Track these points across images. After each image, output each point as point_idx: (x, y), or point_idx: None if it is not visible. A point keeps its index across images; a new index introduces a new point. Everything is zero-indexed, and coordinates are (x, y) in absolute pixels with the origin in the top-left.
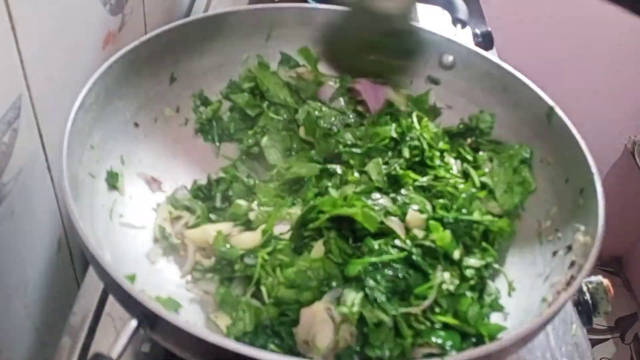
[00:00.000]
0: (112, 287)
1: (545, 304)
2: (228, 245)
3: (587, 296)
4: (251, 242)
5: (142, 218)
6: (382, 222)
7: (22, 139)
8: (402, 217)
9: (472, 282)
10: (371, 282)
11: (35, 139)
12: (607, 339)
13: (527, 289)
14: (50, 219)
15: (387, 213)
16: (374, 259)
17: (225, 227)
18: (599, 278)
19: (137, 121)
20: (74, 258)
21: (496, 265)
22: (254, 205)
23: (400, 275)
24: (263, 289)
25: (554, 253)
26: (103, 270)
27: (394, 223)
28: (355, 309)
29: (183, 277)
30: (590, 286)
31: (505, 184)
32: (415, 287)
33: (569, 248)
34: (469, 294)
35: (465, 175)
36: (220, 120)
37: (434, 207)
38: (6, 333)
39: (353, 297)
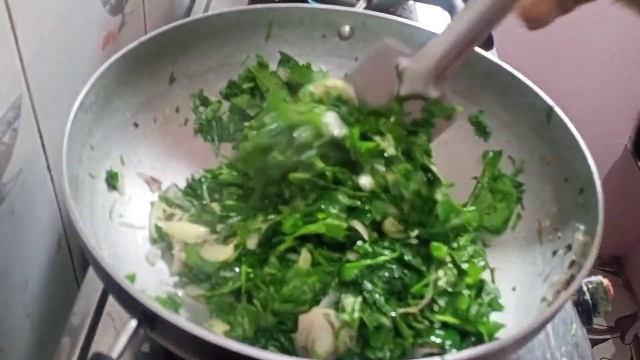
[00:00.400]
0: (112, 287)
1: (545, 303)
2: (200, 262)
3: (587, 296)
4: (224, 255)
5: (142, 218)
6: (349, 228)
7: (22, 139)
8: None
9: (468, 280)
10: (368, 285)
11: (35, 139)
12: (607, 339)
13: (527, 289)
14: (50, 219)
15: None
16: (369, 262)
17: (202, 230)
18: (599, 278)
19: (136, 121)
20: (74, 258)
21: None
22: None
23: (396, 275)
24: (257, 302)
25: (554, 252)
26: (103, 271)
27: (359, 226)
28: (356, 314)
29: (172, 276)
30: (590, 286)
31: (486, 206)
32: (411, 286)
33: (569, 247)
34: (466, 292)
35: (425, 169)
36: (219, 120)
37: (406, 221)
38: (6, 333)
39: (352, 302)
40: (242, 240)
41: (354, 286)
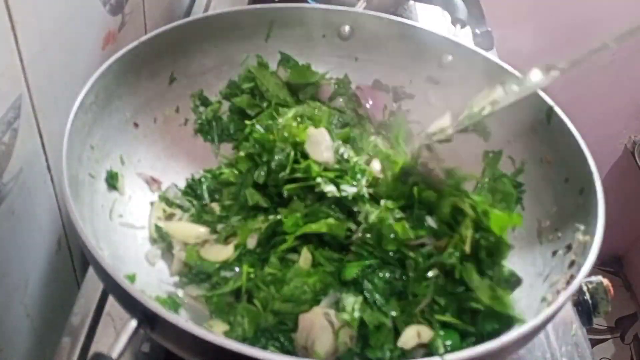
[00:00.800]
0: (112, 287)
1: (545, 303)
2: (200, 262)
3: (587, 296)
4: (224, 255)
5: (141, 218)
6: (349, 229)
7: (22, 139)
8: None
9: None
10: (369, 285)
11: (35, 139)
12: (607, 339)
13: (527, 289)
14: (50, 218)
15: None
16: (370, 261)
17: (202, 230)
18: (598, 278)
19: (136, 121)
20: (74, 258)
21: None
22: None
23: (397, 275)
24: (257, 302)
25: (554, 253)
26: (103, 271)
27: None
28: (357, 314)
29: (172, 276)
30: (590, 286)
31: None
32: (412, 286)
33: (569, 247)
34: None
35: None
36: (219, 120)
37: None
38: (6, 332)
39: (353, 302)
40: (242, 240)
41: (355, 286)
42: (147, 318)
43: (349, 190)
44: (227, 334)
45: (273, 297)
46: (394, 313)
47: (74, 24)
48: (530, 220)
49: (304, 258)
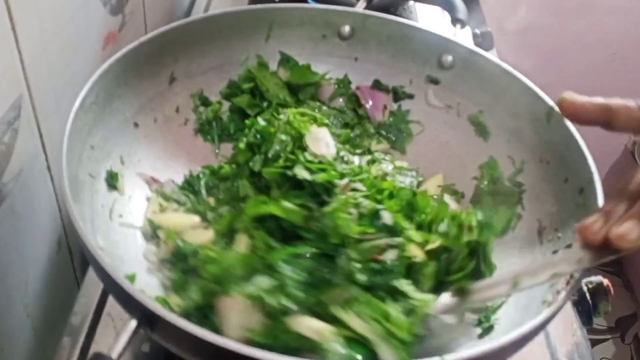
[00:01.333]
0: (112, 287)
1: (545, 303)
2: (180, 242)
3: (587, 296)
4: (204, 238)
5: (141, 218)
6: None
7: (22, 139)
8: None
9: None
10: (286, 271)
11: (36, 139)
12: (607, 339)
13: (527, 289)
14: (50, 218)
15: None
16: (297, 250)
17: (195, 219)
18: (599, 278)
19: (137, 121)
20: (74, 258)
21: None
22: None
23: (325, 268)
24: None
25: (554, 252)
26: (103, 271)
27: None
28: (267, 297)
29: (158, 260)
30: (590, 286)
31: (488, 210)
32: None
33: (569, 247)
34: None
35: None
36: (220, 120)
37: None
38: (6, 332)
39: (264, 285)
40: (221, 226)
41: (274, 271)
42: (147, 318)
43: (318, 176)
44: (180, 307)
45: (206, 278)
46: (306, 301)
47: (74, 24)
48: (530, 220)
49: (240, 241)
